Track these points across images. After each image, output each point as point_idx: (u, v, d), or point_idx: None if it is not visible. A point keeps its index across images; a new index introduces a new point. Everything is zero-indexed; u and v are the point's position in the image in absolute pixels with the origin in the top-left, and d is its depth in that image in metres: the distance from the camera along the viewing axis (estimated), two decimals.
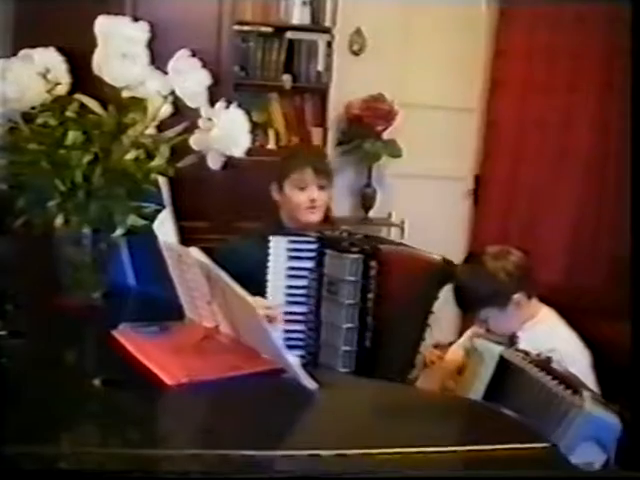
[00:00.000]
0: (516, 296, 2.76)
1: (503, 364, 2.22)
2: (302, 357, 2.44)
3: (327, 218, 2.99)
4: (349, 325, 2.47)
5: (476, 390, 2.22)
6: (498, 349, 2.26)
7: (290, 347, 2.41)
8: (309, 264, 2.51)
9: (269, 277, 2.52)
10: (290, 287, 2.52)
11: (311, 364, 2.42)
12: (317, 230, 2.69)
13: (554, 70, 5.82)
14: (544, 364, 2.18)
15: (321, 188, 2.94)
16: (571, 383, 2.10)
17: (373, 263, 2.49)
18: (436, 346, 2.67)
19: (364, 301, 2.48)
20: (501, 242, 2.92)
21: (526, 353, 2.30)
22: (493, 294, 2.75)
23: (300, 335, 2.51)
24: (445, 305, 2.66)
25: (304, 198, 2.92)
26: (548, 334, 2.75)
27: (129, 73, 2.19)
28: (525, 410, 1.94)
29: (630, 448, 1.94)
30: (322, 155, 3.04)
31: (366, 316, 2.49)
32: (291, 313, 2.52)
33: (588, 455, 1.95)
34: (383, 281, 2.51)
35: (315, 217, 2.92)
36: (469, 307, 2.82)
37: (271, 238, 2.53)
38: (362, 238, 2.60)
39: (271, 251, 2.51)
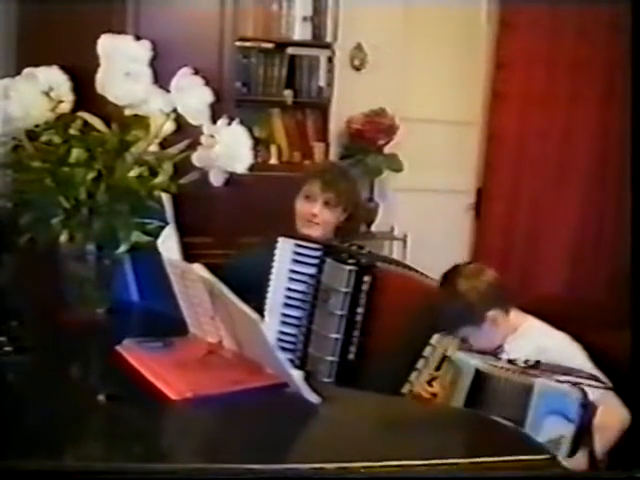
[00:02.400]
0: (490, 313, 2.73)
1: (480, 376, 2.24)
2: (292, 362, 2.44)
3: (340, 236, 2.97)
4: (335, 335, 2.49)
5: (456, 401, 2.25)
6: (474, 362, 2.28)
7: (282, 349, 2.43)
8: (310, 270, 2.53)
9: (272, 277, 2.54)
10: (289, 290, 2.54)
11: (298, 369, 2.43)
12: (327, 240, 2.70)
13: (555, 81, 5.84)
14: (533, 369, 2.21)
15: (326, 205, 2.92)
16: (566, 371, 2.12)
17: (367, 277, 2.50)
18: (430, 381, 2.64)
19: (353, 313, 2.49)
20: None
21: (512, 362, 2.32)
22: (465, 313, 2.71)
23: (292, 339, 2.52)
24: None
25: (306, 209, 2.93)
26: (536, 338, 2.73)
27: (132, 92, 2.21)
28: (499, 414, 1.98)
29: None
30: (341, 174, 3.02)
31: (353, 329, 2.50)
32: (287, 316, 2.54)
33: (556, 430, 1.97)
34: (375, 297, 2.51)
35: (313, 232, 2.90)
36: (446, 328, 2.76)
37: (279, 239, 2.55)
38: (365, 253, 2.61)
39: (277, 252, 2.53)
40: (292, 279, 2.54)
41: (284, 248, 2.55)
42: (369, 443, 1.69)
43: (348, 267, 2.48)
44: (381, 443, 1.71)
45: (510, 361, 2.36)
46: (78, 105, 2.42)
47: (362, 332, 2.51)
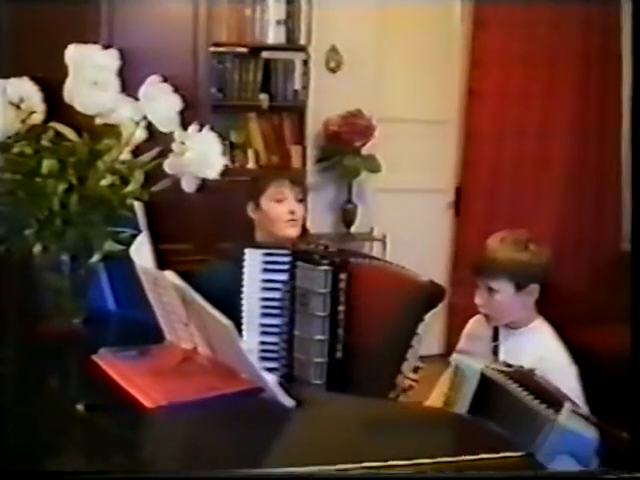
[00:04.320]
0: (533, 286, 2.79)
1: (484, 380, 2.24)
2: (276, 369, 2.44)
3: (304, 232, 3.01)
4: (320, 337, 2.48)
5: (461, 407, 2.24)
6: (479, 366, 2.27)
7: (265, 359, 2.44)
8: (283, 277, 2.52)
9: (244, 290, 2.53)
10: (265, 299, 2.53)
11: (285, 377, 2.43)
12: (292, 244, 2.70)
13: (530, 78, 5.87)
14: (524, 377, 2.20)
15: (299, 201, 2.97)
16: (551, 396, 2.11)
17: (342, 275, 2.49)
18: (416, 369, 2.66)
19: (334, 313, 2.49)
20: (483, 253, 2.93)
21: (508, 365, 2.32)
22: (524, 268, 2.78)
23: (274, 347, 2.52)
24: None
25: (283, 210, 2.93)
26: (538, 343, 2.78)
27: (100, 101, 2.21)
28: (504, 425, 1.97)
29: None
30: (297, 170, 3.04)
31: (337, 328, 2.50)
32: (266, 325, 2.53)
33: (564, 467, 1.97)
34: (355, 294, 2.52)
35: (294, 231, 2.94)
36: (490, 270, 2.82)
37: (246, 251, 2.54)
38: (335, 251, 2.60)
39: (246, 264, 2.52)
40: (265, 288, 2.53)
41: (252, 259, 2.54)
42: (345, 446, 1.69)
43: (322, 267, 2.47)
44: (356, 445, 1.71)
45: (507, 364, 2.35)
46: (51, 115, 2.41)
47: (347, 330, 2.51)
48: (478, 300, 2.85)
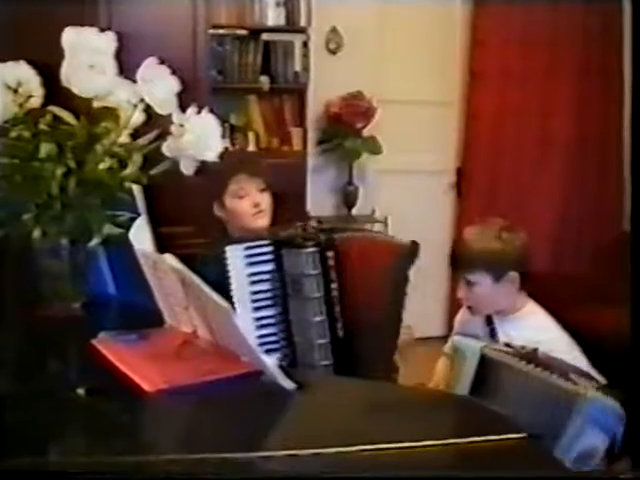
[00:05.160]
0: (512, 274, 2.76)
1: (485, 360, 2.23)
2: (280, 359, 2.44)
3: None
4: (318, 318, 2.48)
5: (462, 388, 2.23)
6: (479, 345, 2.27)
7: (267, 351, 2.42)
8: (268, 267, 2.51)
9: (232, 287, 2.51)
10: (255, 293, 2.52)
11: (291, 364, 2.43)
12: (271, 232, 2.69)
13: (531, 58, 5.84)
14: (530, 356, 2.19)
15: (262, 191, 2.94)
16: (565, 372, 2.10)
17: (329, 253, 2.49)
18: (409, 327, 2.68)
19: (328, 292, 2.49)
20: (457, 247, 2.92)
21: (508, 346, 2.31)
22: (496, 259, 2.76)
23: (274, 338, 2.51)
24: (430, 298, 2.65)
25: (247, 205, 2.92)
26: (533, 327, 2.75)
27: (96, 84, 2.19)
28: (515, 405, 1.96)
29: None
30: (254, 159, 3.00)
31: (333, 307, 2.50)
32: (261, 318, 2.52)
33: (593, 440, 1.96)
34: (344, 270, 2.51)
35: (263, 221, 2.92)
36: (466, 264, 2.81)
37: (226, 249, 2.52)
38: (316, 231, 2.58)
39: (229, 261, 2.50)
40: (253, 282, 2.52)
41: (234, 255, 2.52)
42: (346, 429, 1.69)
43: (308, 250, 2.47)
44: (357, 429, 1.71)
45: (507, 345, 2.34)
46: (49, 99, 2.40)
47: (343, 307, 2.51)
48: (460, 294, 2.84)
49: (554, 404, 2.00)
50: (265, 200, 2.94)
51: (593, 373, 2.48)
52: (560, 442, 1.92)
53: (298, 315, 2.49)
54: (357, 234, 2.82)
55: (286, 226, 2.67)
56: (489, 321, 2.84)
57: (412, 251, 2.60)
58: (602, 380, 2.40)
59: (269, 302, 2.51)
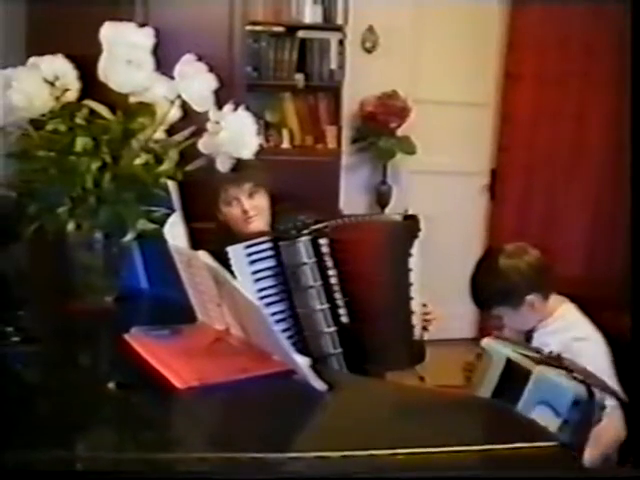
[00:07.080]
0: (529, 297, 2.72)
1: (511, 366, 2.21)
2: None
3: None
4: (320, 307, 2.47)
5: (485, 391, 2.22)
6: (506, 351, 2.25)
7: None
8: (270, 262, 2.50)
9: None
10: (260, 290, 2.51)
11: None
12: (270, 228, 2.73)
13: (568, 62, 5.81)
14: (553, 361, 2.17)
15: (250, 195, 2.98)
16: (578, 373, 2.09)
17: (323, 241, 2.48)
18: (424, 304, 2.65)
19: (326, 279, 2.48)
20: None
21: (538, 351, 2.29)
22: (505, 293, 2.73)
23: (287, 333, 2.50)
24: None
25: (237, 212, 2.97)
26: (566, 330, 2.72)
27: (134, 79, 2.20)
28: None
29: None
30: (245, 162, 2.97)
31: (333, 293, 2.49)
32: (271, 315, 2.52)
33: (541, 420, 1.94)
34: (341, 255, 2.50)
35: (255, 226, 2.96)
36: (482, 304, 2.83)
37: (228, 249, 2.52)
38: (312, 221, 2.57)
39: (232, 261, 2.50)
40: (257, 280, 2.51)
41: (236, 255, 2.51)
42: (375, 431, 1.68)
43: (301, 239, 2.47)
44: (387, 431, 1.69)
45: (537, 350, 2.33)
46: (85, 93, 2.41)
47: (347, 293, 2.50)
48: (493, 326, 2.83)
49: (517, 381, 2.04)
50: (255, 204, 2.99)
51: (613, 382, 2.46)
52: None
53: (302, 307, 2.48)
54: (350, 219, 2.79)
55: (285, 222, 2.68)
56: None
57: (409, 226, 2.60)
58: (621, 394, 2.37)
59: (276, 298, 2.50)
